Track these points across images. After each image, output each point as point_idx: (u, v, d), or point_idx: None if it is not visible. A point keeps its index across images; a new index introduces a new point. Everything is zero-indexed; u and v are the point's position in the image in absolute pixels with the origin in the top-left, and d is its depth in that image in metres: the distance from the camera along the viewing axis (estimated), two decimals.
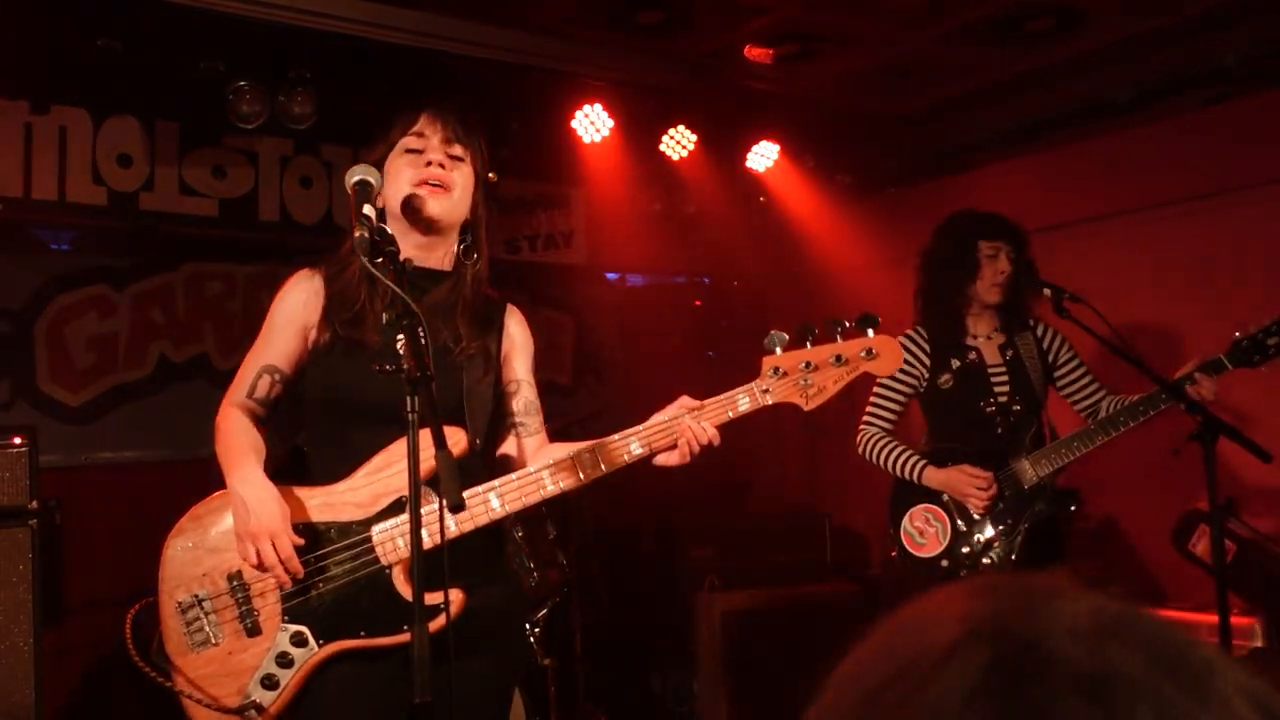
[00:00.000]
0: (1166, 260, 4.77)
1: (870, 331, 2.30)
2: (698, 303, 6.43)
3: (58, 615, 4.42)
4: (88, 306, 4.72)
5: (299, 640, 2.15)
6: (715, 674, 4.78)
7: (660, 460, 2.25)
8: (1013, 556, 3.40)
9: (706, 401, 2.27)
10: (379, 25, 4.06)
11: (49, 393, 4.61)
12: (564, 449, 2.27)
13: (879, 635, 0.64)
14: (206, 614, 2.16)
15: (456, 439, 2.17)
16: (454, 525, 2.14)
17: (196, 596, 2.17)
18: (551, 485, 2.21)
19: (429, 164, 2.27)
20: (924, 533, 3.48)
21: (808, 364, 2.26)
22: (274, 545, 2.09)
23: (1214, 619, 3.79)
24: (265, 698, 2.13)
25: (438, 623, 2.07)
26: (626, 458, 2.22)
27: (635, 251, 5.98)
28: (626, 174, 5.40)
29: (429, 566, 1.96)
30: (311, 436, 2.33)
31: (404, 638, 2.05)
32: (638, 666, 5.25)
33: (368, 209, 2.02)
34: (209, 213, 4.62)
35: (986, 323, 3.59)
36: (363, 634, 2.14)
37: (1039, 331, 3.61)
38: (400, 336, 1.84)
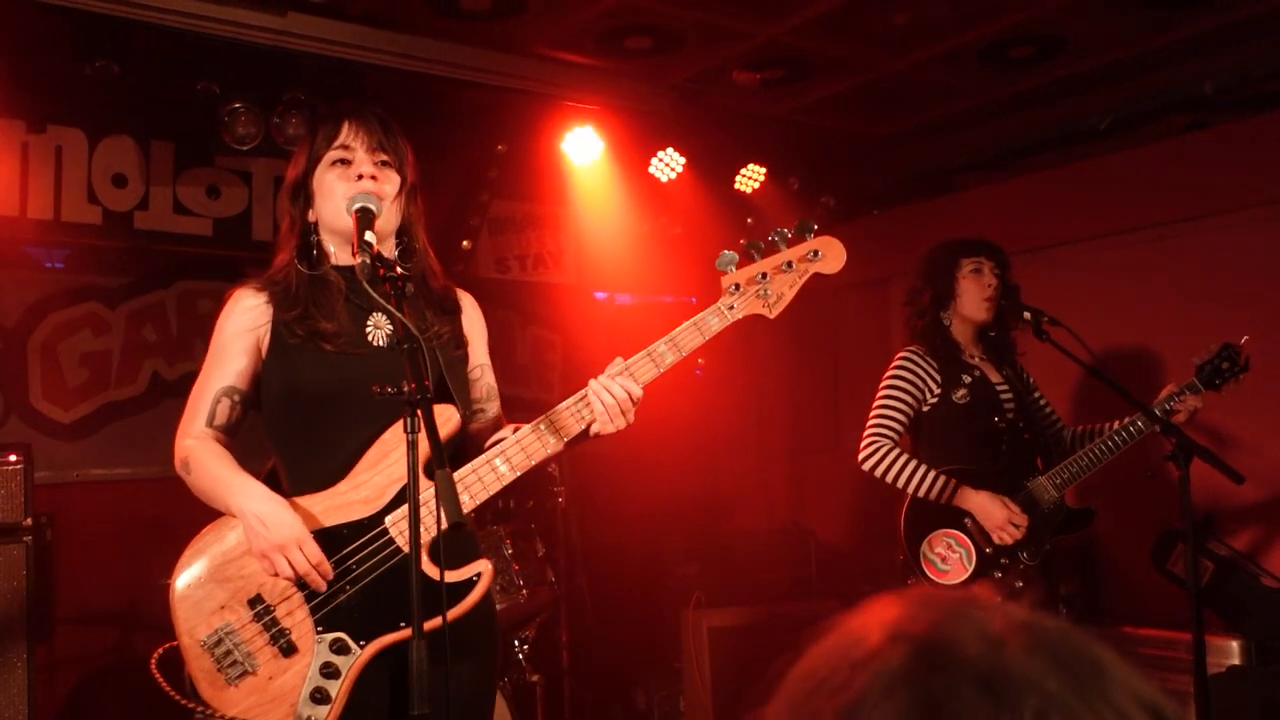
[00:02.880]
0: (1145, 284, 4.86)
1: (809, 235, 2.39)
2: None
3: (49, 630, 4.45)
4: (81, 324, 4.75)
5: (339, 648, 2.12)
6: (700, 690, 4.82)
7: (594, 429, 2.22)
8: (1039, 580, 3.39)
9: (676, 329, 2.29)
10: (372, 49, 4.13)
11: (41, 410, 4.64)
12: (524, 426, 2.29)
13: (825, 639, 0.74)
14: (236, 645, 2.11)
15: (448, 416, 2.21)
16: (469, 497, 2.17)
17: (220, 630, 2.11)
18: (553, 440, 2.22)
19: (359, 176, 2.25)
20: (946, 559, 3.37)
21: (763, 275, 2.34)
22: (302, 551, 2.07)
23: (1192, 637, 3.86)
24: (319, 713, 2.09)
25: (472, 599, 2.13)
26: (576, 426, 2.23)
27: (624, 271, 6.04)
28: (616, 195, 5.46)
29: (440, 548, 2.02)
30: (278, 443, 2.29)
31: (437, 622, 2.02)
32: (624, 683, 5.28)
33: (369, 235, 2.07)
34: (203, 232, 4.67)
35: (976, 346, 3.60)
36: (401, 625, 2.11)
37: (1015, 359, 3.66)
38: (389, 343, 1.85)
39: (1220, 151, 4.61)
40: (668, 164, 5.40)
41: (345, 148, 2.30)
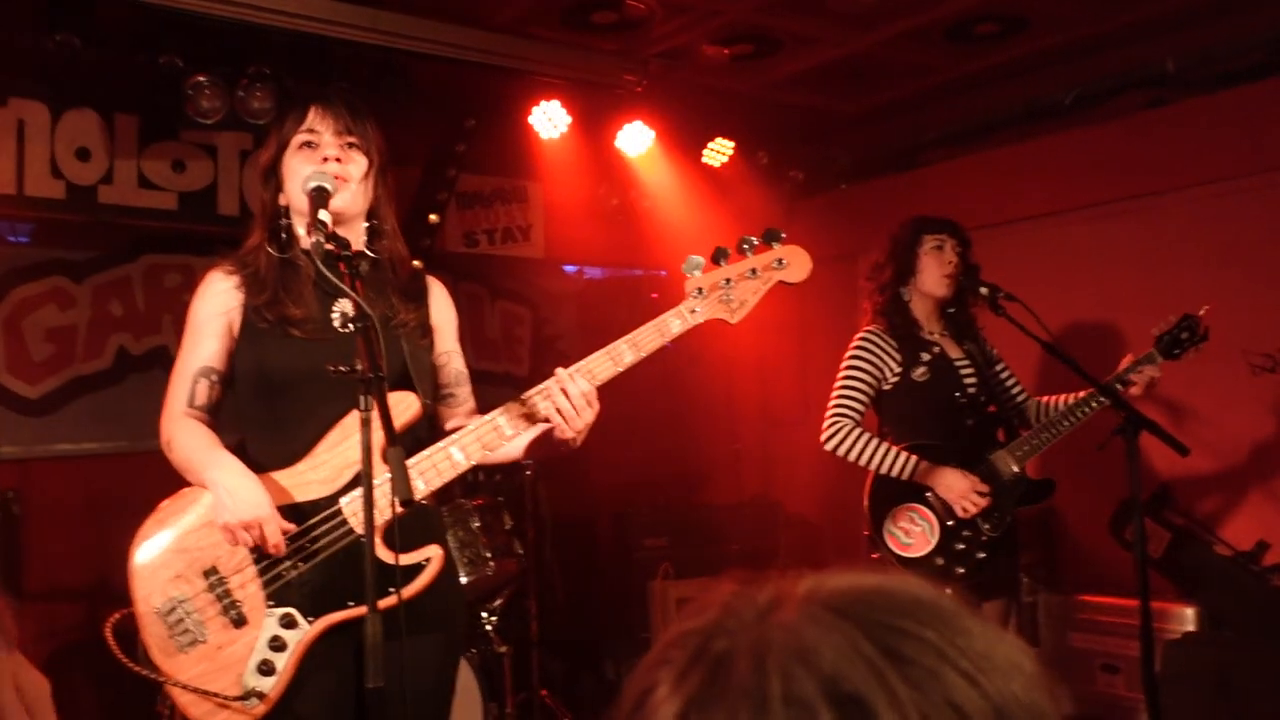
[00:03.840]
0: (1107, 257, 4.92)
1: (775, 244, 2.45)
2: (654, 295, 6.51)
3: (16, 606, 4.44)
4: (46, 298, 4.72)
5: (288, 622, 2.17)
6: None
7: (556, 434, 2.26)
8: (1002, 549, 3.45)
9: (637, 330, 2.33)
10: (338, 23, 4.10)
11: (7, 384, 4.61)
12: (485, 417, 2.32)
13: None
14: (188, 614, 2.16)
15: (409, 404, 2.25)
16: (423, 485, 2.21)
17: (175, 598, 2.16)
18: (510, 430, 2.26)
19: (325, 159, 2.28)
20: (910, 532, 3.42)
21: (727, 281, 2.39)
22: (263, 529, 2.11)
23: (1152, 604, 3.96)
24: (264, 684, 2.14)
25: (420, 583, 2.17)
26: (530, 421, 2.27)
27: (593, 245, 6.06)
28: (584, 169, 5.48)
29: (399, 530, 2.09)
30: (247, 422, 2.34)
31: (391, 600, 2.09)
32: (592, 654, 5.34)
33: (323, 215, 2.09)
34: (168, 206, 4.64)
35: (936, 322, 3.64)
36: (350, 604, 2.17)
37: (976, 333, 3.69)
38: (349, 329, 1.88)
39: (1181, 128, 4.67)
40: (636, 138, 5.41)
41: (311, 131, 2.33)
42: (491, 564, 4.16)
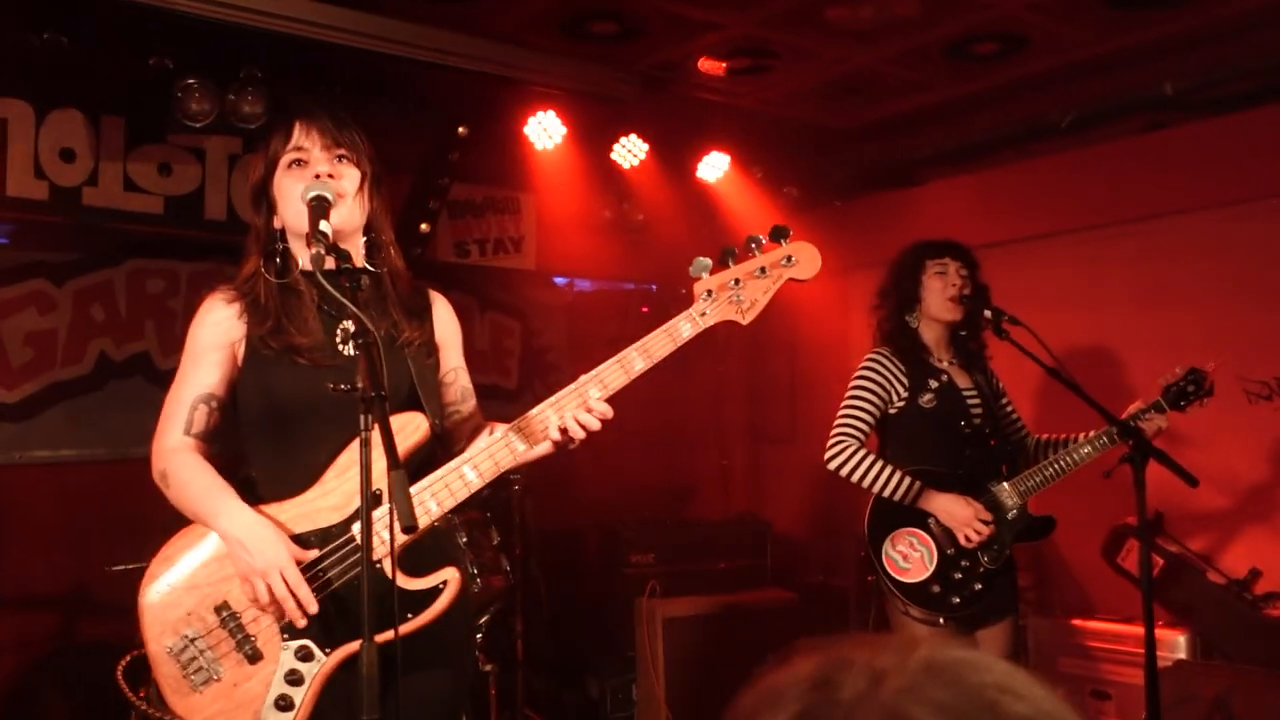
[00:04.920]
0: (1102, 280, 4.91)
1: (784, 241, 2.38)
2: (645, 309, 6.47)
3: None
4: (26, 302, 4.63)
5: (304, 655, 2.12)
6: (654, 680, 4.82)
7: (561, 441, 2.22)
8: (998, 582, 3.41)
9: (647, 336, 2.27)
10: (333, 28, 4.04)
11: None
12: (499, 427, 2.28)
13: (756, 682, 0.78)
14: (202, 652, 2.11)
15: (417, 424, 2.20)
16: (436, 506, 2.15)
17: (186, 637, 2.11)
18: (523, 446, 2.20)
19: (318, 176, 2.21)
20: (908, 557, 3.37)
21: (736, 281, 2.33)
22: (283, 577, 2.06)
23: (1141, 630, 3.92)
24: (283, 719, 2.10)
25: (438, 608, 2.11)
26: (545, 435, 2.22)
27: (584, 257, 6.00)
28: (577, 181, 5.42)
29: (413, 552, 2.03)
30: (254, 453, 2.28)
31: (411, 625, 2.06)
32: (578, 672, 5.27)
33: (324, 226, 2.03)
34: (154, 210, 4.56)
35: (946, 350, 3.59)
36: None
37: (985, 365, 3.65)
38: (355, 352, 1.84)
39: (1179, 152, 4.67)
40: (631, 151, 5.37)
41: (299, 148, 2.26)
42: (478, 580, 4.09)
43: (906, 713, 0.68)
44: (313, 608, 2.08)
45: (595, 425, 2.18)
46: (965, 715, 0.69)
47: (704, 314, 2.31)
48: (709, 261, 2.34)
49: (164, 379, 4.74)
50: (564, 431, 2.17)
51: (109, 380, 4.80)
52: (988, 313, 3.36)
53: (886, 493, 3.39)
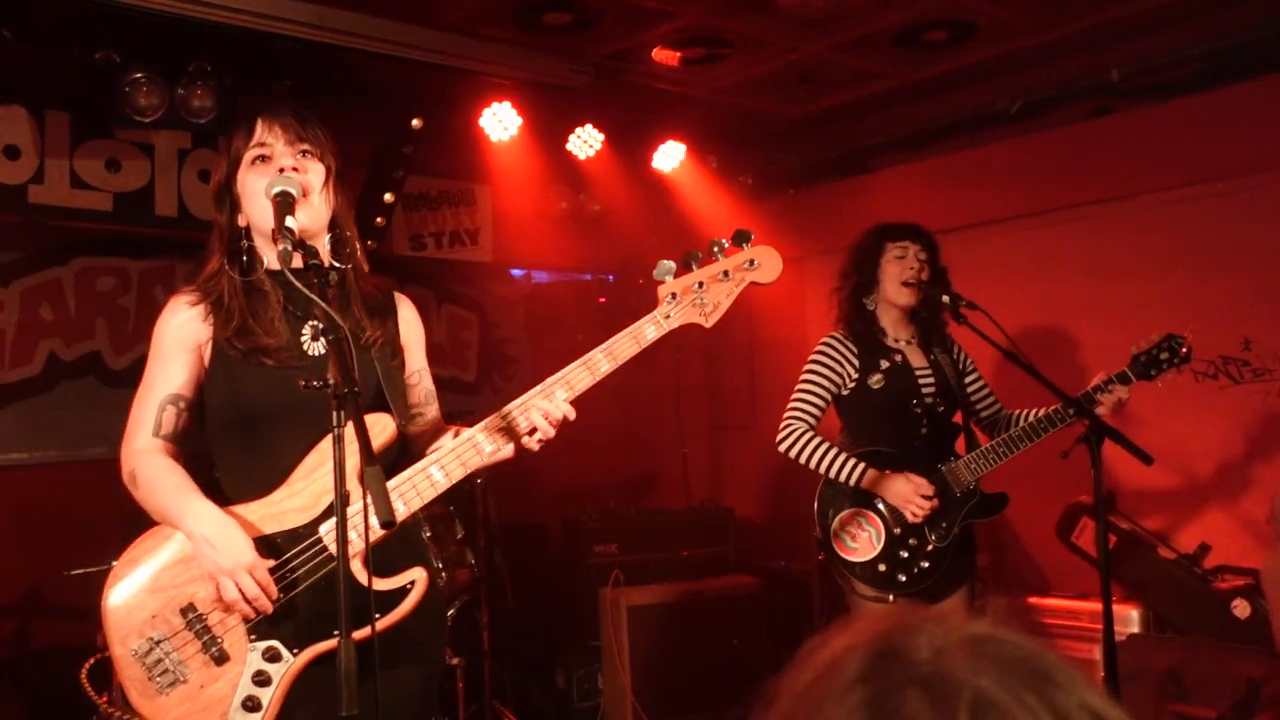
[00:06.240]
0: (1054, 264, 4.99)
1: (746, 245, 2.44)
2: (602, 299, 6.47)
3: None
4: None
5: (272, 656, 2.11)
6: (619, 668, 4.84)
7: (525, 443, 2.26)
8: (946, 559, 3.44)
9: (612, 339, 2.31)
10: (283, 19, 3.99)
11: None
12: (464, 430, 2.30)
13: (810, 652, 0.81)
14: (168, 654, 2.10)
15: (385, 425, 2.20)
16: (404, 506, 2.16)
17: (152, 639, 2.10)
18: (490, 447, 2.24)
19: (282, 170, 2.20)
20: (855, 537, 3.43)
21: (699, 284, 2.39)
22: (252, 576, 2.05)
23: (1096, 606, 4.01)
24: None
25: (405, 608, 2.13)
26: (509, 437, 2.25)
27: (541, 249, 6.00)
28: (533, 172, 5.41)
29: (381, 551, 2.03)
30: (221, 455, 2.27)
31: (380, 625, 2.06)
32: (543, 664, 5.28)
33: (290, 221, 2.02)
34: (102, 207, 4.48)
35: (904, 329, 3.62)
36: (335, 633, 2.08)
37: (949, 342, 3.69)
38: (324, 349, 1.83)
39: (1125, 138, 4.75)
40: (586, 141, 5.37)
41: (263, 144, 2.25)
42: (443, 575, 4.08)
43: (974, 681, 0.72)
44: (274, 598, 2.09)
45: (559, 418, 2.22)
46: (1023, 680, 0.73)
47: (668, 316, 2.36)
48: (672, 264, 2.38)
49: (117, 379, 4.73)
50: (531, 432, 2.20)
51: (60, 381, 4.72)
52: (945, 298, 3.40)
53: (833, 474, 3.45)
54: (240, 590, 2.05)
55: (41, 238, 4.67)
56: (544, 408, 2.21)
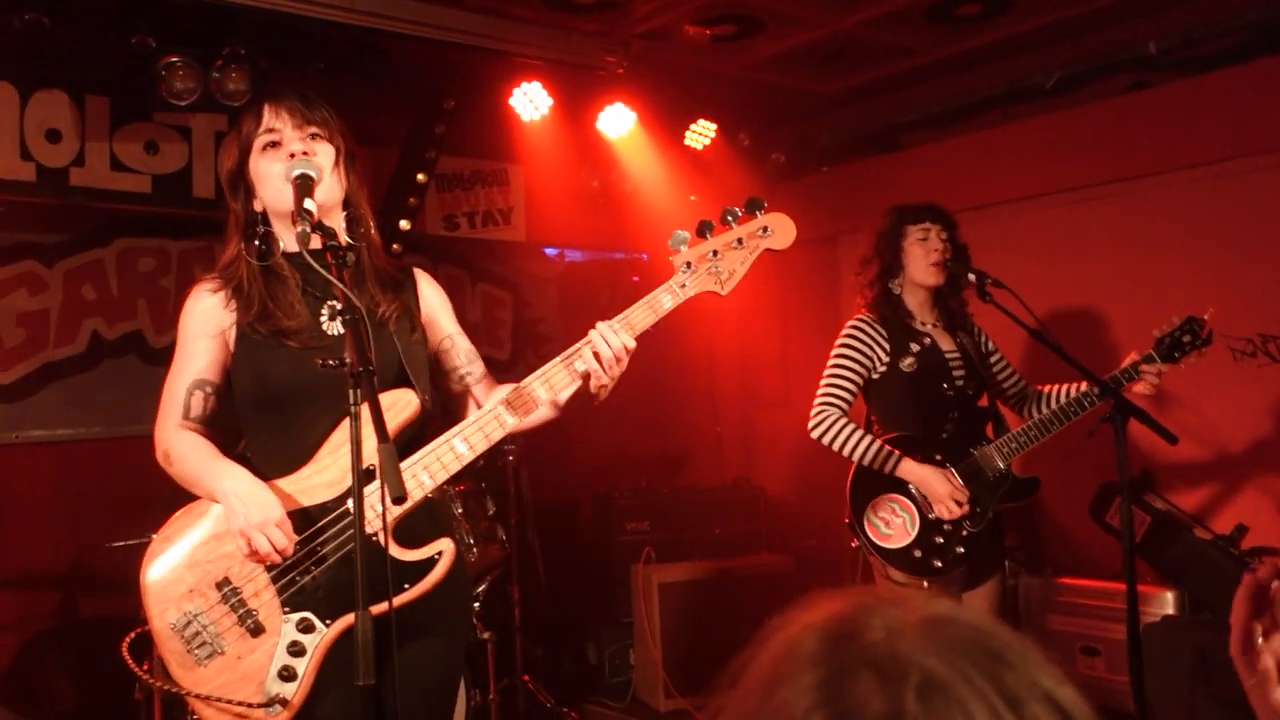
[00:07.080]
0: (1088, 241, 4.93)
1: (759, 213, 2.44)
2: (635, 278, 6.48)
3: None
4: (17, 283, 4.65)
5: (305, 627, 2.17)
6: (651, 645, 4.89)
7: (591, 385, 2.28)
8: (980, 543, 3.42)
9: (629, 309, 2.33)
10: (315, 3, 4.02)
11: None
12: (512, 387, 2.34)
13: (771, 632, 0.81)
14: (205, 627, 2.16)
15: (407, 400, 2.25)
16: (429, 480, 2.22)
17: (189, 613, 2.16)
18: (512, 419, 2.28)
19: (293, 155, 2.25)
20: (890, 523, 3.41)
21: (714, 253, 2.39)
22: (280, 530, 2.12)
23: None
24: (286, 690, 2.15)
25: (433, 579, 2.17)
26: (568, 378, 2.29)
27: (573, 228, 6.01)
28: (565, 151, 5.42)
29: (409, 524, 2.10)
30: (251, 434, 2.33)
31: (408, 596, 2.13)
32: (574, 638, 5.34)
33: (309, 203, 2.06)
34: (141, 189, 4.55)
35: (930, 312, 3.61)
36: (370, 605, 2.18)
37: (970, 323, 3.67)
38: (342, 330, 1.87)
39: (1163, 111, 4.67)
40: (617, 120, 5.37)
41: (272, 130, 2.29)
42: (474, 550, 4.14)
43: (922, 662, 0.72)
44: (289, 554, 2.15)
45: (619, 347, 2.24)
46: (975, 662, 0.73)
47: (684, 285, 2.37)
48: (687, 234, 2.39)
49: (157, 357, 4.82)
50: (592, 369, 2.23)
51: (103, 359, 4.83)
52: (971, 276, 3.38)
53: (866, 461, 3.43)
54: (270, 542, 2.11)
55: (83, 220, 4.77)
56: (597, 344, 2.23)
